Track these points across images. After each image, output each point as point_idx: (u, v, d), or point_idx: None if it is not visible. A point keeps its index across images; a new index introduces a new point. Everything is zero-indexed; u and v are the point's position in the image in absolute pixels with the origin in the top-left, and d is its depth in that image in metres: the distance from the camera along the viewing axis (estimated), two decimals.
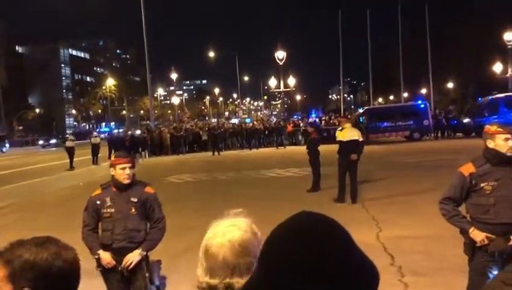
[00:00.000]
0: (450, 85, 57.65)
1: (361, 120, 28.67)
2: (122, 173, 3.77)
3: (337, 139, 10.24)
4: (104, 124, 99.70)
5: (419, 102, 31.55)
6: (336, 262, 0.79)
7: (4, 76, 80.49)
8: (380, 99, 78.11)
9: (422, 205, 8.76)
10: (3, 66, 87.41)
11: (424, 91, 54.14)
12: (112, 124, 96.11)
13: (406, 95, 52.88)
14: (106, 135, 60.09)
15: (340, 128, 10.76)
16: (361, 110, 34.55)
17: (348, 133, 10.10)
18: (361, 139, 10.33)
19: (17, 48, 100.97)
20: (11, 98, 74.44)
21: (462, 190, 3.60)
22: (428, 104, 31.24)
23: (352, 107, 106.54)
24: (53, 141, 57.48)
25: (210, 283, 1.36)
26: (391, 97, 73.57)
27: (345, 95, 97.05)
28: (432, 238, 6.67)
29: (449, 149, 20.10)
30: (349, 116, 20.88)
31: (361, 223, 7.93)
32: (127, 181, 3.79)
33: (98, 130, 71.68)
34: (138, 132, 34.53)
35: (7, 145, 52.84)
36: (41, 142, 58.89)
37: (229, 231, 1.43)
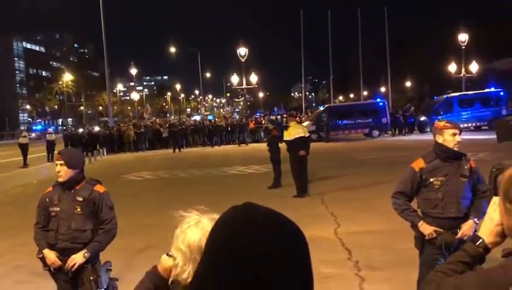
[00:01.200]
0: (408, 84, 59.43)
1: (322, 118, 29.07)
2: (56, 169, 3.74)
3: (284, 138, 10.60)
4: (60, 120, 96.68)
5: (378, 100, 32.30)
6: (274, 255, 0.78)
7: None
8: (341, 98, 79.58)
9: (379, 201, 8.95)
10: None
11: (383, 90, 55.55)
12: (69, 120, 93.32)
13: (365, 93, 54.09)
14: (37, 132, 59.26)
15: (290, 125, 10.97)
16: (322, 108, 35.02)
17: (293, 131, 10.48)
18: (307, 134, 10.80)
19: None
20: None
21: (413, 185, 3.71)
22: (386, 103, 32.05)
23: (314, 105, 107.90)
24: None
25: None
26: (351, 95, 75.09)
27: (307, 93, 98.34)
28: (387, 233, 6.84)
29: (406, 146, 20.69)
30: (296, 114, 21.11)
31: (320, 219, 8.04)
32: (60, 179, 3.71)
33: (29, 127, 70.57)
34: (97, 128, 33.64)
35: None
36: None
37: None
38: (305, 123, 29.66)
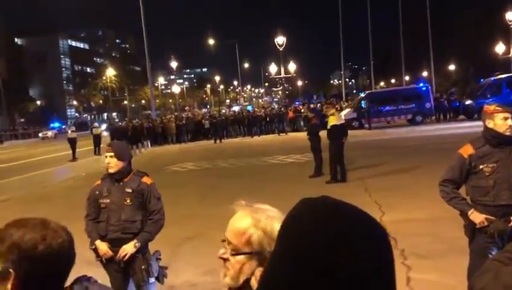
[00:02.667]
0: (452, 67, 57.32)
1: (362, 104, 28.57)
2: (106, 161, 3.84)
3: (333, 123, 10.70)
4: (105, 114, 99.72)
5: (421, 85, 31.35)
6: (365, 258, 0.71)
7: (4, 69, 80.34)
8: (382, 83, 77.79)
9: (424, 189, 8.75)
10: (4, 58, 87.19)
11: (425, 74, 53.86)
12: (114, 114, 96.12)
13: (407, 78, 52.62)
14: (55, 131, 58.80)
15: (329, 113, 11.05)
16: (362, 95, 34.37)
17: (337, 117, 10.96)
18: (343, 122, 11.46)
19: (16, 40, 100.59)
20: (12, 90, 74.37)
21: (461, 172, 3.58)
22: (430, 87, 31.05)
23: (354, 91, 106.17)
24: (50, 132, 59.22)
25: None
26: (393, 81, 73.26)
27: (347, 79, 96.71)
28: (434, 220, 6.68)
29: (451, 132, 20.04)
30: (336, 102, 20.96)
31: (363, 207, 7.81)
32: (110, 170, 3.81)
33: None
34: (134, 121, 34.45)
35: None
36: (40, 134, 59.92)
37: (264, 216, 1.42)
38: (346, 110, 29.38)
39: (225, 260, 1.42)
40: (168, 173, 15.19)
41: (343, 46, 47.99)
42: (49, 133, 57.78)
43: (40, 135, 58.70)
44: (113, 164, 3.79)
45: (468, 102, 28.21)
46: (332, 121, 10.74)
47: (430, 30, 43.96)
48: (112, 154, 3.81)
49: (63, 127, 62.43)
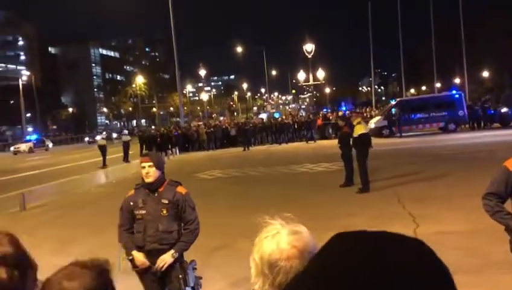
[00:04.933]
0: (486, 74, 55.85)
1: (393, 112, 28.11)
2: (143, 171, 3.81)
3: (360, 132, 10.71)
4: (135, 121, 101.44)
5: (454, 92, 30.62)
6: None
7: (38, 77, 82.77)
8: (412, 91, 76.47)
9: (460, 200, 8.47)
10: (38, 66, 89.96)
11: (457, 81, 52.63)
12: (143, 121, 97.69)
13: (438, 85, 51.50)
14: (32, 142, 47.93)
15: (355, 122, 11.08)
16: (393, 102, 33.81)
17: (364, 126, 11.10)
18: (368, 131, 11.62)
19: (49, 48, 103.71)
20: (45, 97, 76.58)
21: (507, 186, 3.40)
22: (463, 94, 30.29)
23: (383, 98, 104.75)
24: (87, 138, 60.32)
25: None
26: (423, 88, 71.91)
27: (376, 86, 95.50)
28: (472, 233, 6.43)
29: (486, 140, 19.44)
30: (363, 110, 20.69)
31: (397, 219, 7.72)
32: (147, 179, 3.78)
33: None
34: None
35: (50, 144, 53.90)
36: (87, 138, 62.56)
37: (295, 239, 1.37)
38: (376, 118, 28.94)
39: None
40: (196, 180, 15.23)
41: (372, 52, 47.44)
42: (23, 146, 47.79)
43: (11, 148, 48.92)
44: (152, 173, 3.78)
45: (504, 110, 27.39)
46: (359, 129, 10.74)
47: (464, 35, 42.96)
48: (151, 163, 3.79)
49: (41, 138, 54.81)
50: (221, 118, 72.69)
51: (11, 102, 69.67)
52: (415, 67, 66.17)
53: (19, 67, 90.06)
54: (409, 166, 13.54)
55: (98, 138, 25.40)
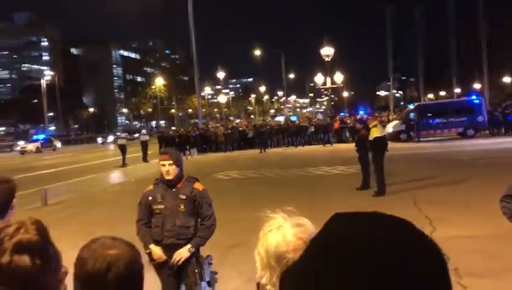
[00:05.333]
0: (507, 79, 54.94)
1: (411, 116, 27.89)
2: (163, 169, 3.87)
3: (376, 135, 10.76)
4: (154, 122, 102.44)
5: (474, 97, 30.21)
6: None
7: (61, 77, 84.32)
8: (431, 96, 75.62)
9: (478, 204, 8.41)
10: (61, 67, 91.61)
11: (477, 86, 51.90)
12: (162, 122, 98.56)
13: (458, 90, 50.86)
14: (39, 142, 46.66)
15: (371, 126, 11.12)
16: (411, 107, 33.51)
17: (380, 129, 11.15)
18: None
19: (72, 49, 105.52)
20: (67, 97, 77.98)
21: None
22: (483, 100, 29.86)
23: (402, 103, 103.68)
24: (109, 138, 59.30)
25: None
26: (442, 93, 71.06)
27: (394, 91, 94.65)
28: (490, 237, 6.38)
29: (507, 146, 19.15)
30: (379, 114, 20.58)
31: (412, 221, 7.70)
32: (167, 177, 3.86)
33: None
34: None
35: (58, 144, 52.70)
36: (99, 139, 62.23)
37: (300, 231, 1.42)
38: (394, 122, 28.72)
39: None
40: (213, 180, 15.35)
41: (391, 57, 47.09)
42: (30, 146, 46.61)
43: (18, 148, 47.67)
44: (172, 170, 3.87)
45: None
46: (375, 133, 10.79)
47: (483, 41, 42.38)
48: (171, 161, 3.88)
49: (50, 137, 53.97)
50: (237, 121, 72.94)
51: (35, 101, 71.10)
52: (434, 72, 65.48)
53: (42, 68, 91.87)
54: (427, 170, 13.44)
55: (110, 139, 25.80)
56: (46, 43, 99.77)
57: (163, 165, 3.88)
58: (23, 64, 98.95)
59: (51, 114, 74.98)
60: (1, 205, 2.22)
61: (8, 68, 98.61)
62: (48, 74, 78.18)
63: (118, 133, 27.73)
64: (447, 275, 0.64)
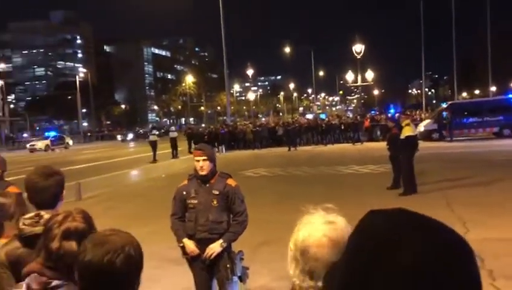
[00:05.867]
0: None
1: (444, 115, 27.27)
2: (197, 164, 3.93)
3: (408, 134, 10.65)
4: (183, 119, 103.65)
5: (510, 96, 29.27)
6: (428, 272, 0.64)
7: (94, 74, 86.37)
8: (464, 94, 73.64)
9: None
10: (94, 64, 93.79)
11: None
12: (191, 119, 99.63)
13: (493, 89, 49.35)
14: (49, 140, 43.92)
15: (404, 124, 10.97)
16: (444, 105, 32.75)
17: (412, 128, 10.98)
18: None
19: (105, 47, 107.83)
20: (100, 94, 79.82)
21: None
22: None
23: (434, 102, 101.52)
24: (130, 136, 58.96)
25: (316, 286, 1.37)
26: (477, 92, 69.10)
27: (426, 89, 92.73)
28: None
29: None
30: (411, 112, 20.18)
31: (445, 223, 7.56)
32: (201, 172, 3.92)
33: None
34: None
35: (71, 141, 49.31)
36: (119, 137, 60.65)
37: (328, 229, 1.44)
38: (426, 121, 28.14)
39: None
40: (242, 177, 15.42)
41: (424, 54, 46.13)
42: (39, 144, 43.21)
43: (27, 146, 44.30)
44: (206, 166, 3.93)
45: None
46: (407, 131, 10.65)
47: None
48: (205, 157, 3.93)
49: (62, 135, 51.43)
50: (263, 119, 72.90)
51: (69, 98, 73.12)
52: (469, 70, 63.74)
53: (76, 65, 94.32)
54: (460, 170, 13.14)
55: (129, 137, 26.06)
56: (80, 41, 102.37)
57: (198, 160, 3.94)
58: (59, 62, 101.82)
59: (84, 110, 76.93)
60: (54, 195, 2.33)
61: (44, 65, 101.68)
62: (82, 71, 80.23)
63: (140, 131, 28.16)
64: (476, 274, 0.68)
